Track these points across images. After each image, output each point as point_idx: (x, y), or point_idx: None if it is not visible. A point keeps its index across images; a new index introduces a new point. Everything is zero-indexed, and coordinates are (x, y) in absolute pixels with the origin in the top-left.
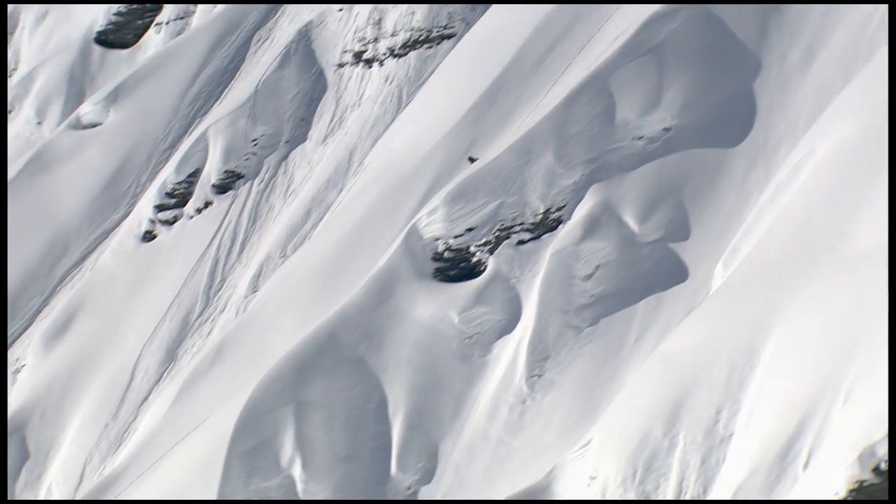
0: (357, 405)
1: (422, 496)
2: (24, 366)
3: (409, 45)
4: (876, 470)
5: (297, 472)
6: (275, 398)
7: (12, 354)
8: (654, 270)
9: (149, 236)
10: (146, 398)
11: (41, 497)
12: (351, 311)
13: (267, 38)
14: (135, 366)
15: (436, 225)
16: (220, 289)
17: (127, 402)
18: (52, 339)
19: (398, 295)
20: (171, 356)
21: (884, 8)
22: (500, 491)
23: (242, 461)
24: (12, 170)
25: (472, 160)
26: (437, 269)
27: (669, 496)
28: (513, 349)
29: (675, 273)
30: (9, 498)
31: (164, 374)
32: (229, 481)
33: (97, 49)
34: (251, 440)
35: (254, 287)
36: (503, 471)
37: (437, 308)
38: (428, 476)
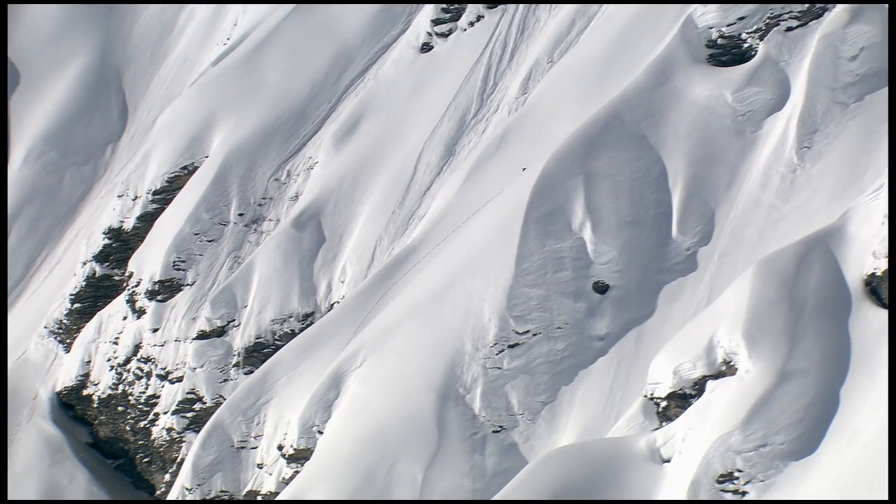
0: (640, 176)
1: (700, 257)
2: (316, 163)
3: None
4: None
5: (587, 234)
6: (565, 169)
7: (304, 154)
8: None
9: (426, 48)
10: (428, 188)
11: (336, 275)
12: (632, 93)
13: None
14: (417, 160)
15: (710, 15)
16: (492, 92)
17: (411, 192)
18: (341, 139)
19: (675, 78)
20: (449, 151)
21: None
22: (772, 248)
23: (538, 225)
24: None
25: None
26: (711, 55)
27: None
28: (783, 124)
29: None
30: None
31: (444, 168)
32: (526, 242)
33: None
34: (545, 206)
35: (524, 89)
36: (775, 233)
37: (711, 89)
38: (706, 238)
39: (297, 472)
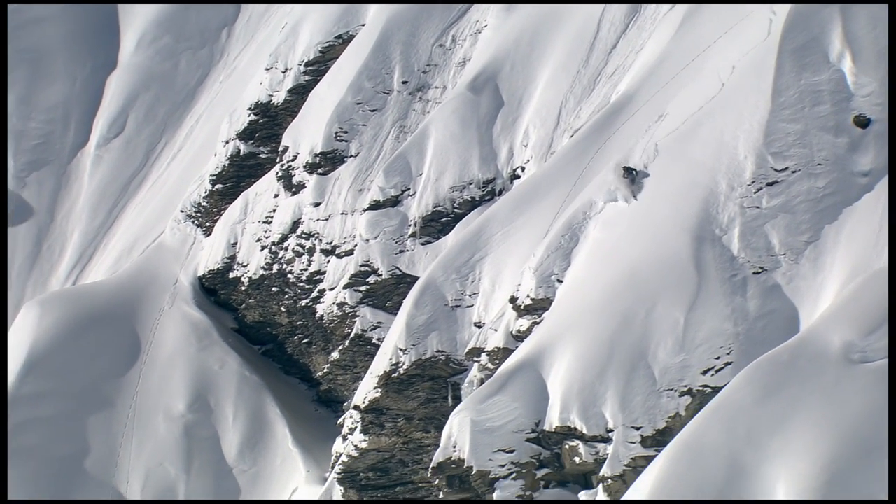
0: None
1: None
2: (485, 26)
3: None
4: None
5: (846, 66)
6: None
7: (469, 18)
8: None
9: None
10: (615, 46)
11: (518, 139)
12: None
13: None
14: (600, 19)
15: None
16: None
17: (595, 51)
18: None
19: None
20: (635, 8)
21: None
22: None
23: (793, 57)
24: None
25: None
26: None
27: None
28: None
29: None
30: None
31: (630, 24)
32: (782, 76)
33: None
34: (800, 38)
35: None
36: None
37: None
38: None
39: (534, 324)
